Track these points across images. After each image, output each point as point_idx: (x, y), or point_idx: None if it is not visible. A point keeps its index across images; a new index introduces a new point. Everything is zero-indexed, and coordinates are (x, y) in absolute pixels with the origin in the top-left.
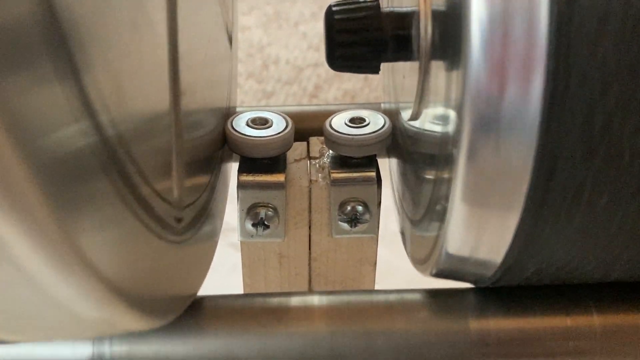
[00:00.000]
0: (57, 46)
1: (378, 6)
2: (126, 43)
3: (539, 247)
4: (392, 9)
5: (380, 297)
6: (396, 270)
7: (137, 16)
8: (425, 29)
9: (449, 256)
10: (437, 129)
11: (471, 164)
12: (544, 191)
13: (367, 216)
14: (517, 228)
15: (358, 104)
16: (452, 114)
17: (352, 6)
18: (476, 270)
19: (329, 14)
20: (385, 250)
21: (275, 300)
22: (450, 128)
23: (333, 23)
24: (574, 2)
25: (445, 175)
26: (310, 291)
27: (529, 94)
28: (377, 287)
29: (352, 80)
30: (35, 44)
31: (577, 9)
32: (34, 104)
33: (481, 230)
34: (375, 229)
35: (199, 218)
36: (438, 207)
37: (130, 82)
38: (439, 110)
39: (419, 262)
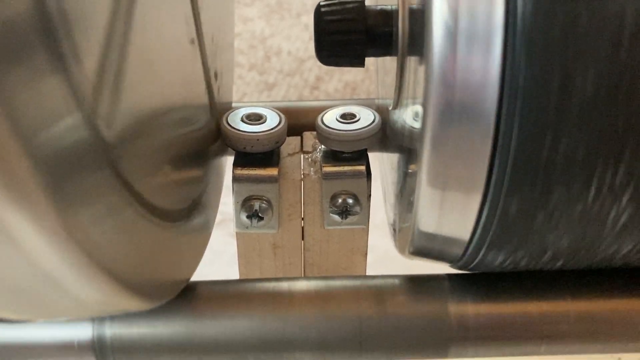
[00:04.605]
0: (49, 41)
1: (363, 4)
2: (117, 39)
3: (505, 227)
4: (375, 7)
5: (363, 283)
6: (394, 257)
7: (128, 10)
8: (403, 26)
9: (421, 233)
10: (410, 120)
11: (435, 148)
12: (503, 172)
13: (357, 208)
14: (480, 205)
15: (351, 100)
16: (420, 104)
17: (339, 4)
18: (448, 248)
19: (318, 11)
20: (384, 240)
21: (263, 285)
22: (419, 118)
23: (321, 20)
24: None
25: (417, 161)
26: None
27: (486, 82)
28: (375, 272)
29: (353, 72)
30: (30, 39)
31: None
32: (32, 100)
33: (448, 206)
34: (365, 220)
35: (193, 209)
36: (413, 190)
37: (122, 77)
38: (412, 102)
39: (400, 244)
